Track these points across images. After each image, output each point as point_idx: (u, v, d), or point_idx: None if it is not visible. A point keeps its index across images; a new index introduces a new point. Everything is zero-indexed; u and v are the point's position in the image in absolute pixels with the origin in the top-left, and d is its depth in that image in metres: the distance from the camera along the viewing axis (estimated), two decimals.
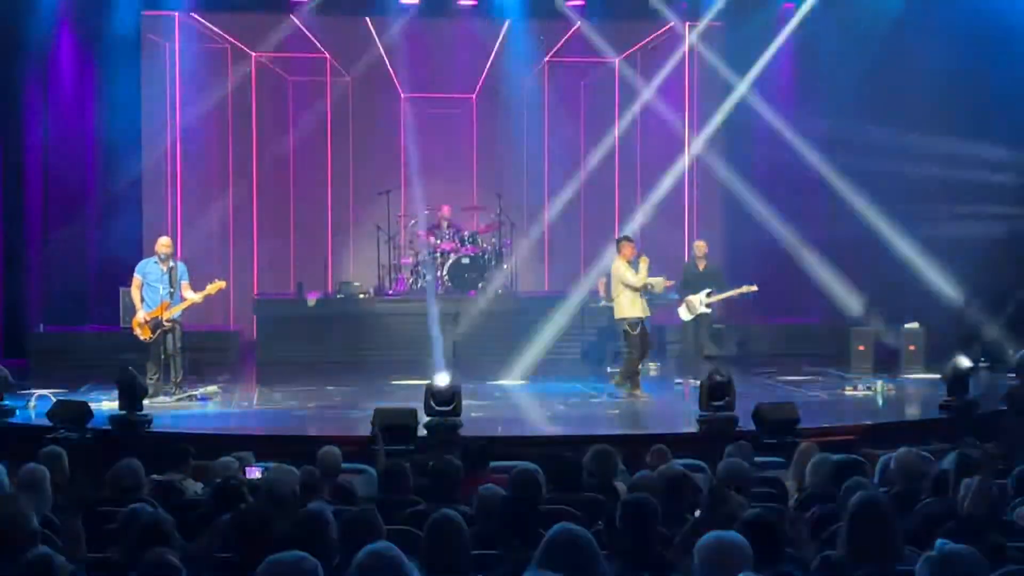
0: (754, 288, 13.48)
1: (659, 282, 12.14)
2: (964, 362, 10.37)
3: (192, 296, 11.97)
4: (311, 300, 16.00)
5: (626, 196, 17.48)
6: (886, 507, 4.67)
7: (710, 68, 17.05)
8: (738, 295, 13.57)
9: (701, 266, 13.66)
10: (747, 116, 17.00)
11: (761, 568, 4.11)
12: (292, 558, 3.87)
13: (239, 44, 17.08)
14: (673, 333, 15.52)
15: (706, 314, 13.43)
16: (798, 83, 16.90)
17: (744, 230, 16.20)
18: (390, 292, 16.52)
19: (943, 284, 14.14)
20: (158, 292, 11.81)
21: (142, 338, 11.86)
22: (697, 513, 5.55)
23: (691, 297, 13.38)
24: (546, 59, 17.40)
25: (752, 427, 9.44)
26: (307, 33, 16.86)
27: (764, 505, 6.01)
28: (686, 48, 16.93)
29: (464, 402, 9.75)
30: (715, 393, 9.74)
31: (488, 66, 17.38)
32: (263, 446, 8.67)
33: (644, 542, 4.75)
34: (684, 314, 13.48)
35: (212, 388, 12.47)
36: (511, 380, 13.22)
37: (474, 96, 17.62)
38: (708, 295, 13.33)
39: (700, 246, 13.84)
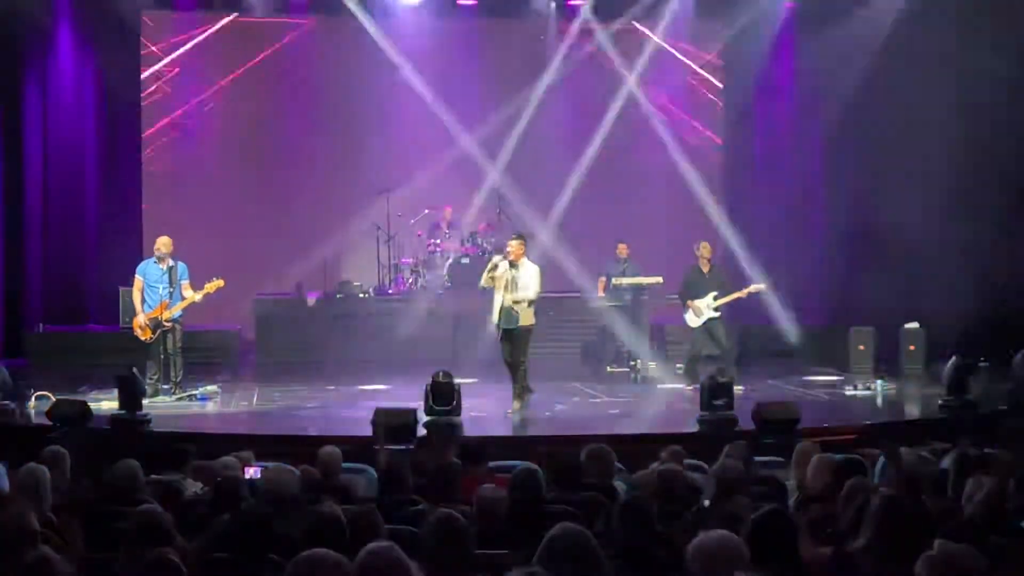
0: (762, 287, 13.03)
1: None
2: (963, 361, 10.36)
3: (191, 295, 11.98)
4: (311, 300, 15.99)
5: (627, 194, 17.46)
6: (910, 505, 4.60)
7: (707, 68, 17.08)
8: (746, 295, 13.03)
9: (706, 268, 13.01)
10: (747, 117, 17.05)
11: (765, 567, 4.10)
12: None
13: (240, 45, 17.10)
14: (673, 334, 15.52)
15: (715, 318, 12.85)
16: (799, 83, 16.90)
17: (744, 231, 16.18)
18: (390, 292, 16.53)
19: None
20: (158, 292, 11.83)
21: (142, 338, 11.88)
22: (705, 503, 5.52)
23: (697, 302, 12.81)
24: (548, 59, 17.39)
25: (752, 427, 9.44)
26: (305, 34, 16.90)
27: (765, 505, 6.01)
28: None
29: (464, 402, 9.76)
30: (715, 393, 9.75)
31: (488, 67, 17.40)
32: (263, 446, 8.65)
33: (642, 542, 4.75)
34: (692, 320, 12.93)
35: (212, 388, 12.46)
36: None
37: (476, 95, 17.62)
38: (715, 298, 12.81)
39: (705, 247, 13.12)
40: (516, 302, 10.99)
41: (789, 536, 4.41)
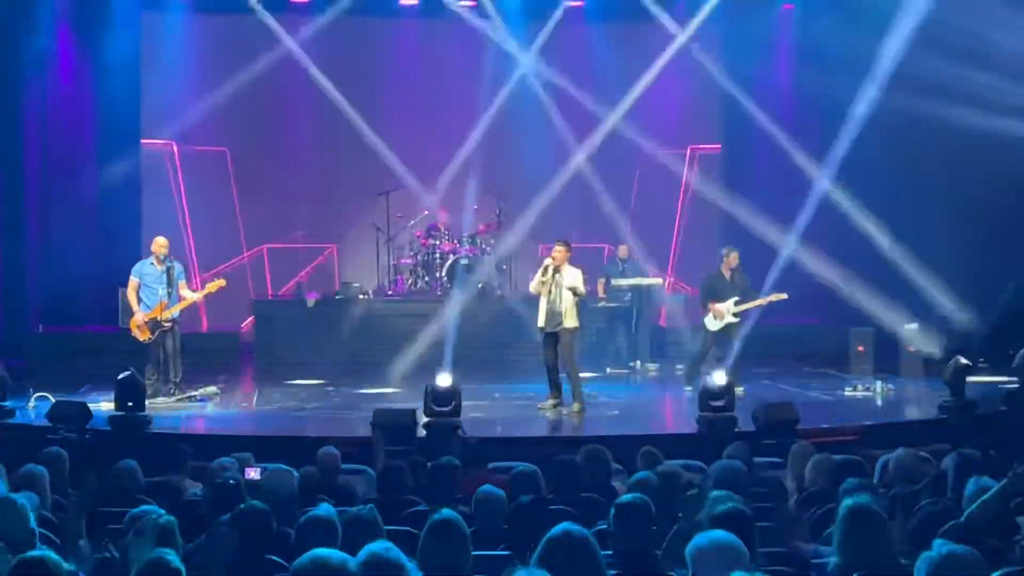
0: (784, 296, 12.92)
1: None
2: (963, 361, 10.34)
3: (192, 295, 11.98)
4: (310, 300, 16.00)
5: (626, 194, 17.48)
6: (878, 514, 4.58)
7: (706, 71, 17.08)
8: (767, 303, 12.87)
9: (728, 275, 12.83)
10: (747, 117, 17.05)
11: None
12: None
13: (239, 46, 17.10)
14: (673, 335, 15.54)
15: (734, 323, 12.71)
16: (798, 82, 16.90)
17: (742, 231, 16.17)
18: (390, 292, 16.53)
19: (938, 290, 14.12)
20: (156, 293, 11.82)
21: (141, 339, 11.87)
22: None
23: (718, 306, 12.70)
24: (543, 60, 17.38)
25: (752, 427, 9.43)
26: (305, 34, 16.94)
27: (762, 505, 6.01)
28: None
29: (463, 402, 9.75)
30: (715, 393, 9.74)
31: (488, 67, 17.40)
32: (262, 447, 8.65)
33: (640, 542, 4.75)
34: (712, 323, 12.80)
35: (211, 389, 12.44)
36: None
37: (476, 95, 17.63)
38: (736, 303, 12.67)
39: (733, 256, 12.91)
40: (571, 287, 11.22)
41: (746, 535, 4.41)
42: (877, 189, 14.95)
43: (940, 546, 3.99)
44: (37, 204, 15.99)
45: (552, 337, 11.37)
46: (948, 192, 14.51)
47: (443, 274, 16.19)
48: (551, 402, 11.47)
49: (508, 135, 17.38)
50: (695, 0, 16.83)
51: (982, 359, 12.79)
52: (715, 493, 5.29)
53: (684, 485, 6.06)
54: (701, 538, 4.15)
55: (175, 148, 17.11)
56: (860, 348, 14.29)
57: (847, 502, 4.66)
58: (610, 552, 4.69)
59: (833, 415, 11.05)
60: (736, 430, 9.45)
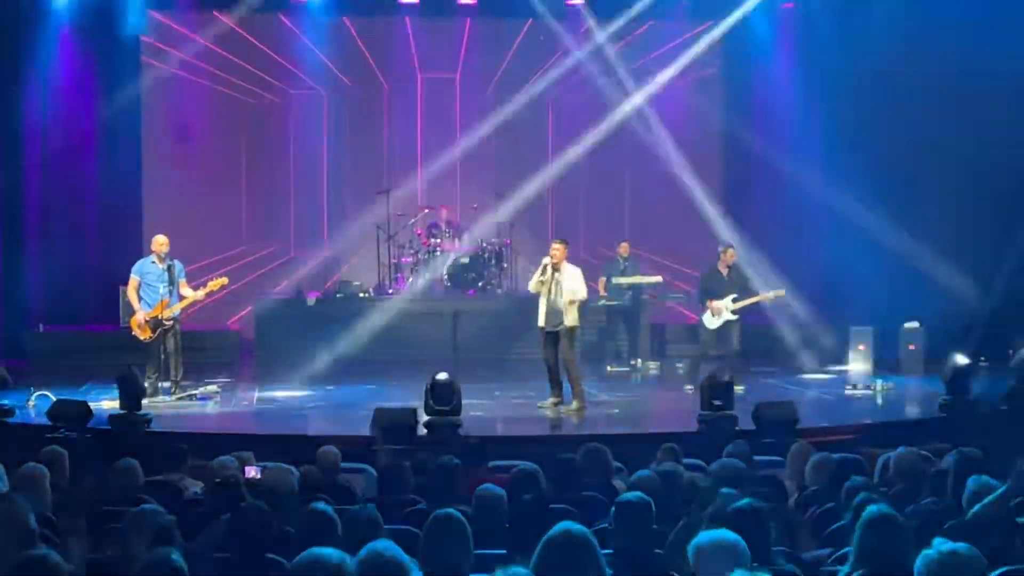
0: (782, 292, 13.01)
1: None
2: (962, 360, 10.33)
3: (194, 293, 11.98)
4: (311, 300, 15.99)
5: (628, 194, 17.48)
6: (899, 521, 4.47)
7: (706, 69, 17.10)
8: (765, 300, 12.97)
9: (725, 272, 12.82)
10: (745, 112, 17.05)
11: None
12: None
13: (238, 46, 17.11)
14: (673, 333, 15.53)
15: (733, 320, 12.72)
16: (796, 79, 16.90)
17: (742, 230, 16.18)
18: (390, 292, 16.53)
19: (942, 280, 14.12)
20: (158, 291, 11.82)
21: (142, 338, 11.87)
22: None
23: (717, 303, 12.71)
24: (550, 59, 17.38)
25: (752, 426, 9.43)
26: (305, 34, 16.94)
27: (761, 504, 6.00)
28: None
29: (464, 401, 9.75)
30: (715, 393, 9.74)
31: (488, 67, 17.39)
32: (263, 446, 8.65)
33: (641, 542, 4.75)
34: (710, 320, 12.81)
35: (212, 388, 12.45)
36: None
37: (476, 95, 17.62)
38: (734, 300, 12.68)
39: (730, 253, 12.93)
40: (571, 302, 11.17)
41: (762, 533, 4.39)
42: (876, 178, 14.99)
43: (940, 544, 3.98)
44: (37, 202, 15.98)
45: (552, 336, 11.35)
46: (949, 180, 14.52)
47: (444, 273, 16.19)
48: (551, 401, 11.47)
49: (509, 135, 17.41)
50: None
51: (983, 357, 12.80)
52: (727, 490, 5.29)
53: (685, 484, 6.06)
54: (703, 536, 4.15)
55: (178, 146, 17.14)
56: (860, 346, 14.29)
57: (871, 509, 4.51)
58: (610, 551, 4.69)
59: (833, 414, 11.05)
60: (736, 429, 9.45)
